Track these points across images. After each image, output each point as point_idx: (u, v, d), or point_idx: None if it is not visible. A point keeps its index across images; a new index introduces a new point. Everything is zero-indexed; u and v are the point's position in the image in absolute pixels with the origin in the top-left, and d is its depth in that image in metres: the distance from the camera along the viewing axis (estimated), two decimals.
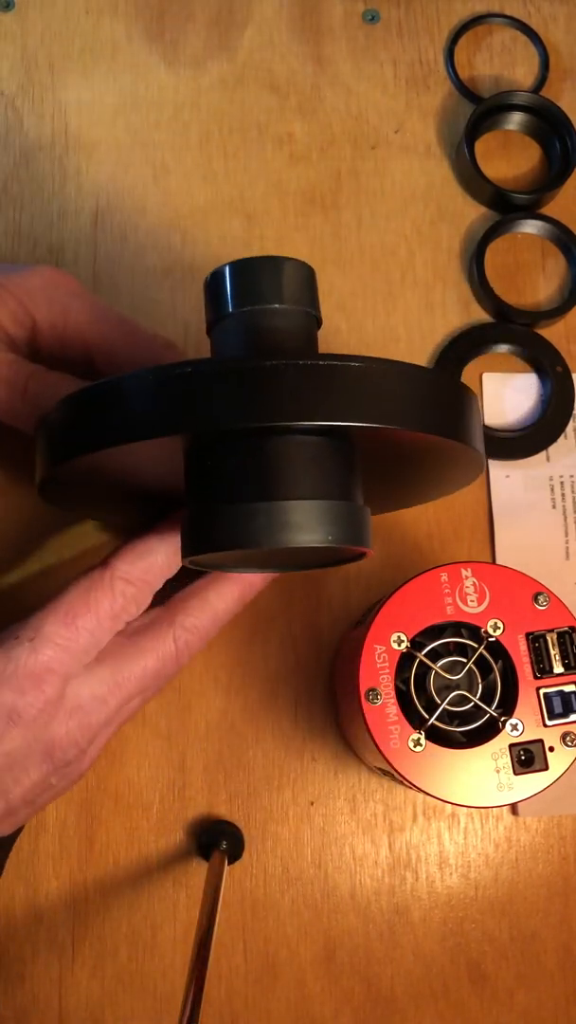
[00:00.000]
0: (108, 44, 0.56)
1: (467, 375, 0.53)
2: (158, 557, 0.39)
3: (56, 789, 0.38)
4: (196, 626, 0.40)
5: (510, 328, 0.53)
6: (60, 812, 0.45)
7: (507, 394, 0.53)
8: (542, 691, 0.38)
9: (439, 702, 0.38)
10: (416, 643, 0.38)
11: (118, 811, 0.45)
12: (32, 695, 0.35)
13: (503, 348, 0.53)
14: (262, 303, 0.36)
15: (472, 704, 0.38)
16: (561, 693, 0.38)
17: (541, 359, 0.53)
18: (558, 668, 0.38)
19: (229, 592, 0.41)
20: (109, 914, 0.45)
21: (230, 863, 0.45)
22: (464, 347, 0.53)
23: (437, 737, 0.38)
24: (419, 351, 0.53)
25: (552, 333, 0.54)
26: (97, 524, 0.48)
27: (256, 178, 0.54)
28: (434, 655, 0.39)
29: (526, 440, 0.52)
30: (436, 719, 0.38)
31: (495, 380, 0.53)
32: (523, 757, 0.38)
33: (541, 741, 0.38)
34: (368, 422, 0.31)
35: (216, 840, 0.44)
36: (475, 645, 0.38)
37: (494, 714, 0.38)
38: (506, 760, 0.38)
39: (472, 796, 0.37)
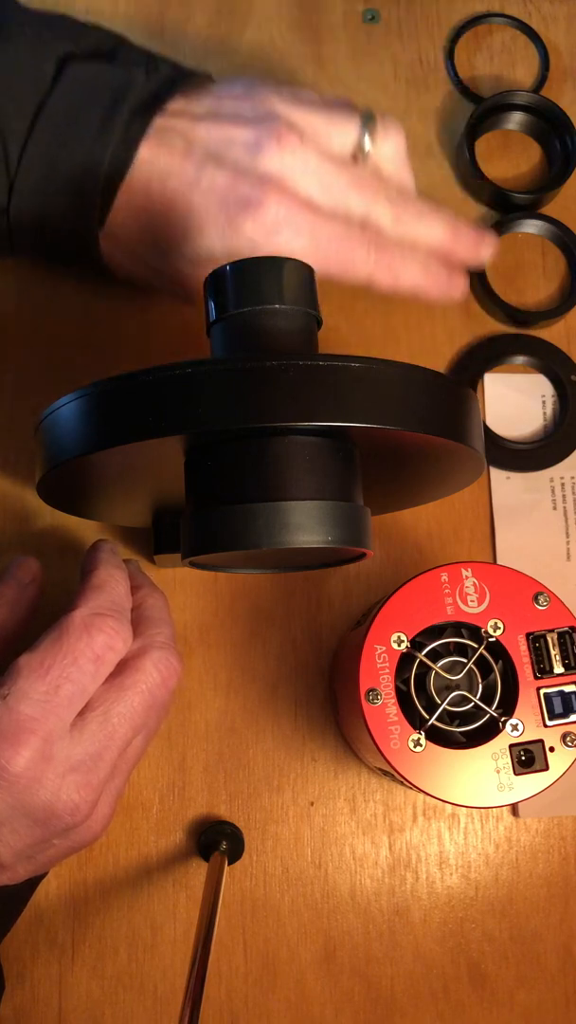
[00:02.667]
0: None
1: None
2: (119, 585, 0.37)
3: (62, 848, 0.35)
4: (166, 641, 0.38)
5: (525, 339, 0.53)
6: None
7: (509, 395, 0.53)
8: (542, 691, 0.38)
9: (439, 702, 0.38)
10: (416, 643, 0.38)
11: (118, 811, 0.45)
12: (7, 758, 0.32)
13: (519, 360, 0.53)
14: (262, 303, 0.36)
15: (472, 704, 0.38)
16: (561, 693, 0.38)
17: (556, 369, 0.52)
18: (558, 668, 0.38)
19: (162, 596, 0.40)
20: (109, 914, 0.45)
21: (230, 863, 0.45)
22: (479, 360, 0.52)
23: (437, 737, 0.38)
24: (425, 357, 0.53)
25: (552, 333, 0.54)
26: (97, 524, 0.48)
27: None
28: (434, 655, 0.39)
29: (541, 452, 0.51)
30: (436, 719, 0.38)
31: (496, 380, 0.53)
32: (523, 757, 0.38)
33: (541, 741, 0.38)
34: (368, 423, 0.31)
35: (216, 840, 0.44)
36: (475, 645, 0.38)
37: (494, 714, 0.38)
38: (506, 760, 0.37)
39: (472, 796, 0.37)
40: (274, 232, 0.41)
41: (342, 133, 0.43)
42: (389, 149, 0.45)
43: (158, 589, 0.41)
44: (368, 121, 0.44)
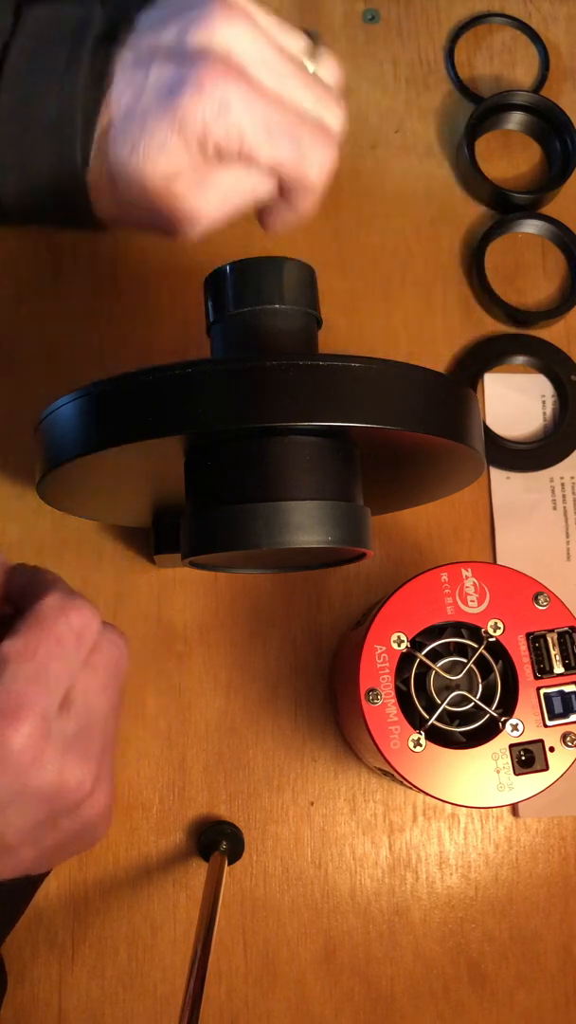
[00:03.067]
0: None
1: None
2: (64, 584, 0.36)
3: (67, 831, 0.35)
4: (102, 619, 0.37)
5: (525, 339, 0.53)
6: None
7: (510, 395, 0.53)
8: (542, 691, 0.38)
9: (439, 702, 0.38)
10: (416, 643, 0.38)
11: (118, 811, 0.45)
12: (8, 736, 0.32)
13: (519, 360, 0.53)
14: (262, 303, 0.36)
15: (472, 704, 0.38)
16: (561, 693, 0.38)
17: (556, 369, 0.52)
18: (558, 668, 0.38)
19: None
20: (109, 914, 0.45)
21: (230, 863, 0.45)
22: (479, 360, 0.52)
23: (437, 737, 0.38)
24: (424, 357, 0.53)
25: (552, 333, 0.54)
26: (97, 524, 0.48)
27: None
28: (434, 655, 0.39)
29: (541, 452, 0.51)
30: (436, 719, 0.38)
31: (496, 380, 0.53)
32: (523, 757, 0.38)
33: (541, 741, 0.38)
34: (368, 423, 0.31)
35: (216, 840, 0.44)
36: (475, 645, 0.38)
37: (494, 714, 0.38)
38: (506, 760, 0.37)
39: (472, 796, 0.37)
40: (224, 109, 0.37)
41: (291, 37, 0.40)
42: (329, 74, 0.41)
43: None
44: (315, 36, 0.41)
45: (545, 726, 0.38)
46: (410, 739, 0.37)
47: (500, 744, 0.38)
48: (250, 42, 0.38)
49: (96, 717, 0.35)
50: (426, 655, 0.38)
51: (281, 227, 0.41)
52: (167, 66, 0.38)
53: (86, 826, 0.35)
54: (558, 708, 0.38)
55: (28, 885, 0.38)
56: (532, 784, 0.37)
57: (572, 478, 0.52)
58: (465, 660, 0.38)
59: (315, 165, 0.40)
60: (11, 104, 0.38)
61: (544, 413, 0.53)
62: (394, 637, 0.38)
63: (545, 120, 0.56)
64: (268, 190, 0.40)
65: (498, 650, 0.39)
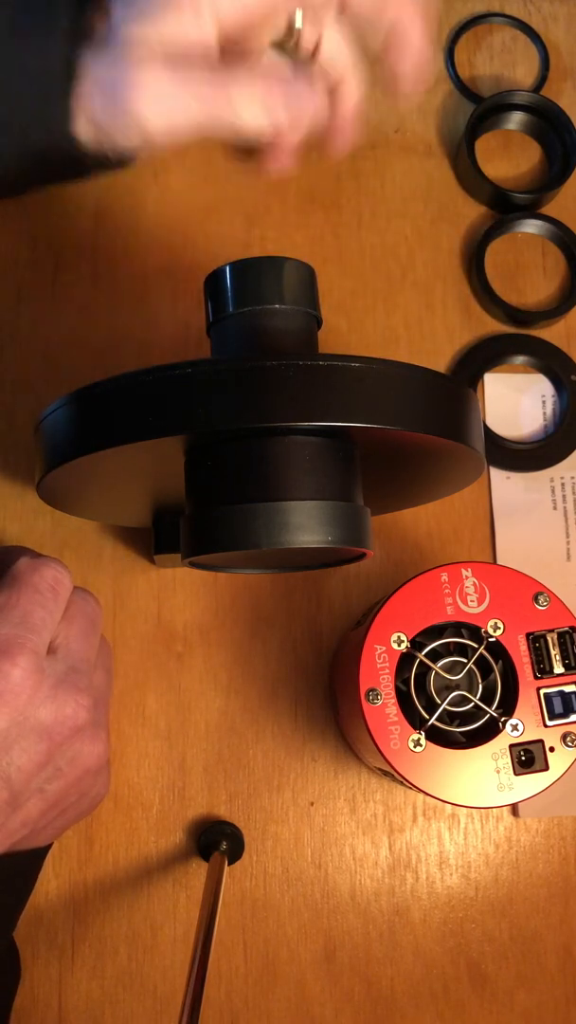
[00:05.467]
0: None
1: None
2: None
3: (70, 778, 0.37)
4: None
5: (524, 339, 0.53)
6: None
7: (510, 395, 0.53)
8: (542, 691, 0.38)
9: (439, 702, 0.38)
10: (416, 643, 0.38)
11: (118, 811, 0.45)
12: (5, 671, 0.34)
13: (519, 360, 0.53)
14: (262, 303, 0.36)
15: (472, 704, 0.38)
16: (561, 693, 0.38)
17: (556, 369, 0.52)
18: (558, 668, 0.38)
19: None
20: (109, 914, 0.45)
21: (230, 863, 0.45)
22: (479, 360, 0.52)
23: (437, 737, 0.38)
24: (424, 357, 0.53)
25: (552, 333, 0.54)
26: (97, 524, 0.48)
27: (256, 178, 0.54)
28: (434, 655, 0.39)
29: (541, 452, 0.51)
30: (436, 719, 0.37)
31: (496, 380, 0.53)
32: (523, 757, 0.38)
33: (541, 741, 0.38)
34: (368, 423, 0.31)
35: (216, 840, 0.44)
36: (475, 645, 0.38)
37: (494, 714, 0.38)
38: (506, 760, 0.37)
39: (472, 796, 0.37)
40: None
41: None
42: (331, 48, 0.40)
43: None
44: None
45: (545, 726, 0.38)
46: (410, 739, 0.37)
47: (500, 744, 0.38)
48: None
49: (81, 661, 0.38)
50: (426, 655, 0.38)
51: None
52: None
53: (86, 773, 0.37)
54: (558, 708, 0.38)
55: (35, 859, 0.39)
56: (532, 784, 0.37)
57: (572, 478, 0.52)
58: (465, 660, 0.38)
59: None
60: None
61: (544, 413, 0.53)
62: (394, 637, 0.38)
63: (545, 120, 0.56)
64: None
65: (498, 650, 0.39)
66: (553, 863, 0.47)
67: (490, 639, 0.38)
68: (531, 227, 0.55)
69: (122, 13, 0.37)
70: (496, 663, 0.39)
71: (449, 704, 0.38)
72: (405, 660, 0.38)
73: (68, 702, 0.36)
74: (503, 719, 0.38)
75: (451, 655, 0.39)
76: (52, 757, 0.36)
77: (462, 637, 0.39)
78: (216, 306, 0.37)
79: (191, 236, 0.53)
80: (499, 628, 0.39)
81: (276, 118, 0.37)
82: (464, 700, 0.38)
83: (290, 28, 0.40)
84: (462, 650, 0.39)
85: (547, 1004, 0.46)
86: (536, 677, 0.38)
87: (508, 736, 0.38)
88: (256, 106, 0.37)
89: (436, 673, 0.38)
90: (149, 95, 0.36)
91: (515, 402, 0.53)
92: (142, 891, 0.45)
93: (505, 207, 0.55)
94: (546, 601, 0.39)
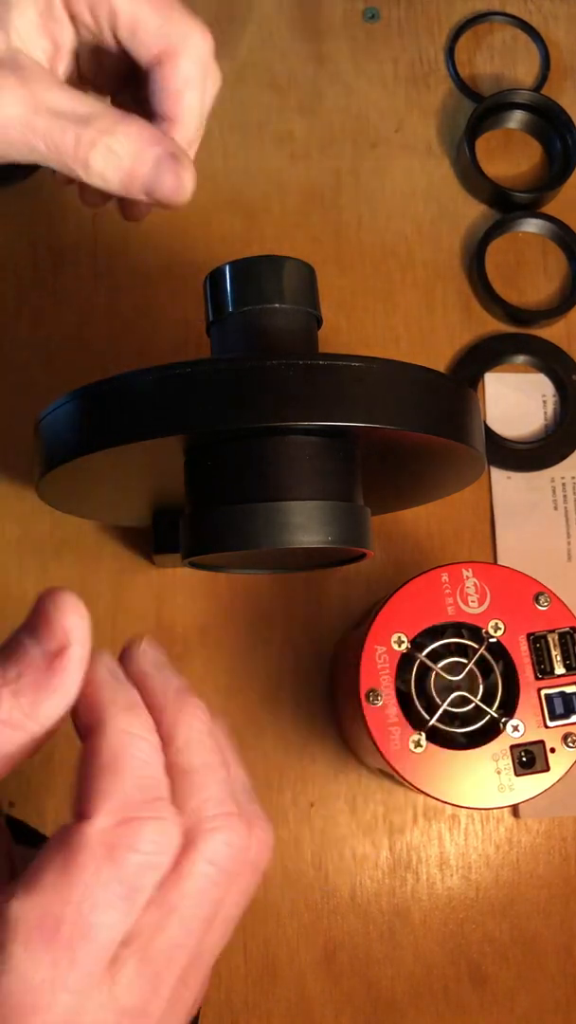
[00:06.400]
0: None
1: None
2: (144, 745, 0.25)
3: None
4: (222, 808, 0.25)
5: (525, 339, 0.53)
6: (60, 813, 0.45)
7: (510, 395, 0.52)
8: (543, 692, 0.38)
9: (440, 703, 0.38)
10: (417, 644, 0.38)
11: None
12: None
13: (519, 360, 0.53)
14: (262, 303, 0.35)
15: (473, 705, 0.38)
16: (562, 694, 0.38)
17: (557, 369, 0.52)
18: (559, 669, 0.38)
19: (203, 713, 0.28)
20: None
21: None
22: (479, 360, 0.52)
23: (438, 738, 0.38)
24: (424, 356, 0.53)
25: (552, 333, 0.53)
26: (97, 524, 0.48)
27: (256, 177, 0.54)
28: (435, 656, 0.38)
29: (541, 451, 0.51)
30: (437, 720, 0.37)
31: (496, 380, 0.53)
32: (524, 758, 0.38)
33: (542, 742, 0.38)
34: (368, 422, 0.31)
35: None
36: (476, 646, 0.38)
37: (495, 715, 0.38)
38: (507, 761, 0.37)
39: (473, 797, 0.37)
40: None
41: None
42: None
43: (192, 698, 0.28)
44: None
45: (546, 727, 0.38)
46: (410, 740, 0.37)
47: (501, 745, 0.37)
48: None
49: (161, 982, 0.24)
50: (427, 656, 0.38)
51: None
52: None
53: None
54: (559, 709, 0.38)
55: None
56: (533, 785, 0.37)
57: (572, 478, 0.51)
58: (466, 661, 0.38)
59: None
60: None
61: (544, 413, 0.53)
62: (394, 638, 0.38)
63: (546, 119, 0.56)
64: None
65: (499, 651, 0.39)
66: (554, 864, 0.47)
67: (491, 640, 0.38)
68: (532, 226, 0.55)
69: None
70: (497, 664, 0.38)
71: (450, 705, 0.38)
72: (405, 661, 0.38)
73: None
74: (504, 720, 0.38)
75: (452, 656, 0.39)
76: None
77: (463, 638, 0.39)
78: (216, 306, 0.36)
79: (191, 236, 0.53)
80: (500, 628, 0.38)
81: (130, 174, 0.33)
82: (465, 701, 0.38)
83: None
84: (463, 651, 0.39)
85: (547, 1005, 0.46)
86: (537, 678, 0.38)
87: (509, 737, 0.38)
88: (111, 159, 0.33)
89: (437, 674, 0.38)
90: None
91: (515, 402, 0.53)
92: None
93: (505, 206, 0.55)
94: (547, 601, 0.39)
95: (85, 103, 0.33)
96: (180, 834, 0.24)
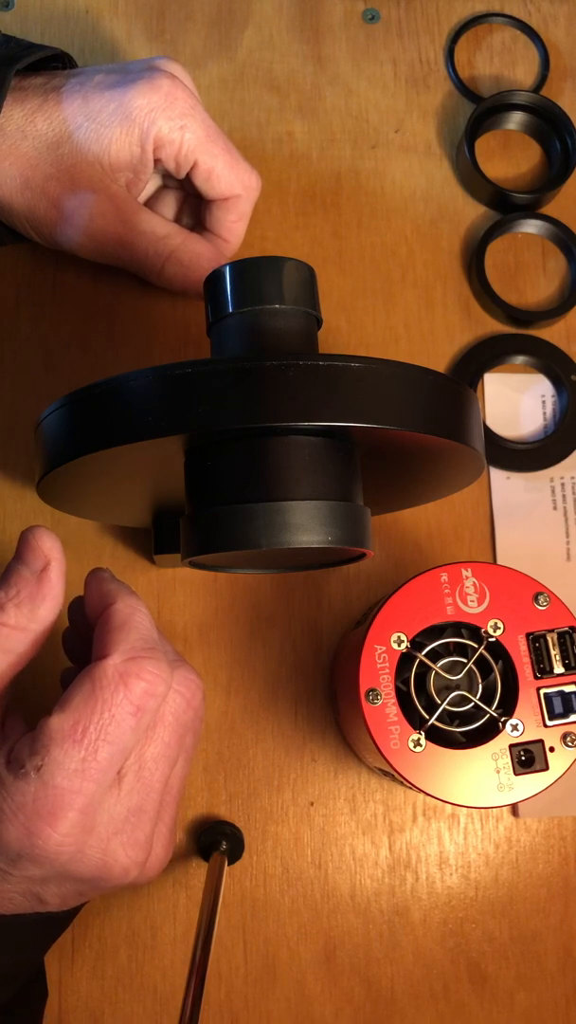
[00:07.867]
0: (108, 43, 0.56)
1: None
2: (143, 616, 0.34)
3: (116, 888, 0.35)
4: (175, 658, 0.36)
5: (524, 339, 0.53)
6: None
7: (510, 395, 0.53)
8: (542, 691, 0.38)
9: (439, 702, 0.38)
10: (416, 643, 0.38)
11: None
12: (44, 836, 0.30)
13: (519, 360, 0.53)
14: (262, 303, 0.36)
15: (472, 704, 0.38)
16: (561, 693, 0.38)
17: (556, 369, 0.52)
18: (558, 668, 0.38)
19: (143, 604, 0.36)
20: (109, 914, 0.45)
21: (230, 863, 0.45)
22: (479, 360, 0.52)
23: (437, 737, 0.38)
24: (424, 357, 0.53)
25: (552, 333, 0.54)
26: (97, 524, 0.48)
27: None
28: (434, 655, 0.39)
29: (540, 451, 0.51)
30: (436, 719, 0.37)
31: (496, 380, 0.53)
32: (523, 757, 0.38)
33: (541, 741, 0.38)
34: (368, 423, 0.31)
35: (216, 840, 0.44)
36: (475, 645, 0.38)
37: (494, 714, 0.38)
38: (506, 760, 0.37)
39: (472, 796, 0.37)
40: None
41: None
42: None
43: (135, 594, 0.36)
44: None
45: (545, 726, 0.38)
46: (410, 739, 0.37)
47: (500, 744, 0.38)
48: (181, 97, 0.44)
49: (152, 787, 0.33)
50: (426, 655, 0.38)
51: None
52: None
53: (133, 884, 0.35)
54: (558, 708, 0.38)
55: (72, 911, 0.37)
56: (532, 784, 0.37)
57: (572, 478, 0.51)
58: (465, 660, 0.38)
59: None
60: None
61: (544, 413, 0.53)
62: (394, 637, 0.38)
63: (545, 120, 0.56)
64: None
65: (498, 650, 0.39)
66: (553, 863, 0.47)
67: (490, 639, 0.38)
68: (531, 227, 0.55)
69: None
70: (496, 663, 0.39)
71: (449, 704, 0.38)
72: (405, 660, 0.38)
73: (119, 857, 0.32)
74: (503, 719, 0.38)
75: (451, 655, 0.39)
76: (95, 887, 0.34)
77: (462, 637, 0.39)
78: (216, 306, 0.37)
79: None
80: (499, 628, 0.39)
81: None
82: (464, 700, 0.38)
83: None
84: (462, 650, 0.39)
85: (547, 1004, 0.46)
86: (536, 677, 0.38)
87: (508, 736, 0.38)
88: (179, 269, 0.47)
89: (436, 673, 0.38)
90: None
91: (515, 402, 0.53)
92: (142, 891, 0.45)
93: (505, 207, 0.55)
94: (546, 601, 0.39)
95: (163, 224, 0.46)
96: (172, 675, 0.33)
